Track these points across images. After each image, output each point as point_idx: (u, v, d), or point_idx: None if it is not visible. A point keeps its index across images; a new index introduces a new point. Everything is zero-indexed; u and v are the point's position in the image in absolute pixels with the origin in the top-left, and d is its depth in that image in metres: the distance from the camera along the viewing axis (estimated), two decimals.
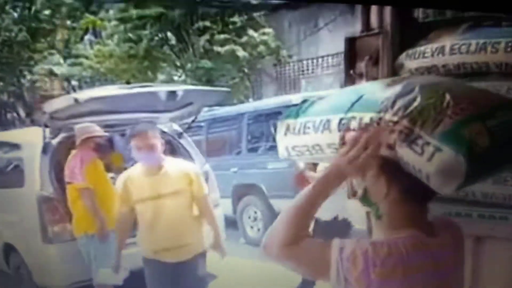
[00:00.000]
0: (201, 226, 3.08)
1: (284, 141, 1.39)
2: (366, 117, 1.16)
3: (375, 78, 2.14)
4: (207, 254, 3.19)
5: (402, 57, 2.11)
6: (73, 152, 3.90)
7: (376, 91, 1.23)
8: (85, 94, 3.86)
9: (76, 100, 3.71)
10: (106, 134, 4.16)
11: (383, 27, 2.13)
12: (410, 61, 2.07)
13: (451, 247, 1.24)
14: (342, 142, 1.20)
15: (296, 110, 1.37)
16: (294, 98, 5.98)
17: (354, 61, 2.19)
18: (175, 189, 2.91)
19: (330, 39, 12.70)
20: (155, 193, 2.88)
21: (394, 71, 2.16)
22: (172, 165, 3.00)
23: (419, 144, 1.08)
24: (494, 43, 1.80)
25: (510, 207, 1.85)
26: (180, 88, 4.14)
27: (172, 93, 4.00)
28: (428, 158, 1.07)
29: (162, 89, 4.06)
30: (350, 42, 2.22)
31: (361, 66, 2.15)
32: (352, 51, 2.20)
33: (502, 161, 1.18)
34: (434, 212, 2.04)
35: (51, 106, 4.08)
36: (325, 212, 3.90)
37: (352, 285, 1.12)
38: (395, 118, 1.11)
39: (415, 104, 1.11)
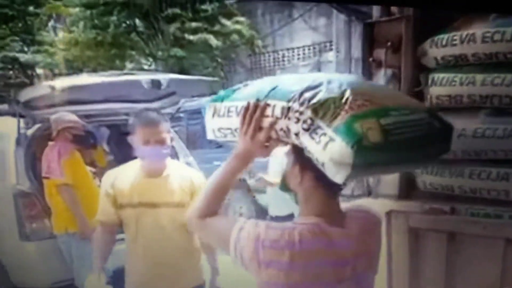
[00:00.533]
0: (200, 253, 2.47)
1: (211, 122, 1.49)
2: (278, 105, 1.27)
3: (395, 67, 2.00)
4: None
5: (426, 44, 1.97)
6: (50, 144, 3.63)
7: (290, 82, 1.31)
8: (62, 82, 3.56)
9: (52, 88, 3.44)
10: (85, 124, 3.86)
11: (405, 12, 1.98)
12: (436, 48, 1.93)
13: (355, 239, 1.30)
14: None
15: (222, 94, 1.47)
16: None
17: (372, 48, 2.03)
18: (176, 200, 2.30)
19: (305, 30, 12.60)
20: (151, 200, 2.29)
21: (416, 59, 2.02)
22: (176, 169, 2.41)
23: (318, 134, 1.19)
24: None
25: None
26: (164, 77, 3.89)
27: (156, 82, 3.75)
28: (323, 147, 1.17)
29: (145, 78, 3.80)
30: (369, 28, 2.06)
31: (381, 53, 2.00)
32: (371, 37, 2.04)
33: (395, 159, 1.26)
34: (460, 212, 1.94)
35: (25, 94, 3.80)
36: (281, 209, 3.81)
37: (246, 262, 1.25)
38: (301, 109, 1.22)
39: (319, 97, 1.22)
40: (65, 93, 3.55)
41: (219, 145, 6.28)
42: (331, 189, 1.30)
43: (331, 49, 12.21)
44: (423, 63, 2.01)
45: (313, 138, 1.19)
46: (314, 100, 1.21)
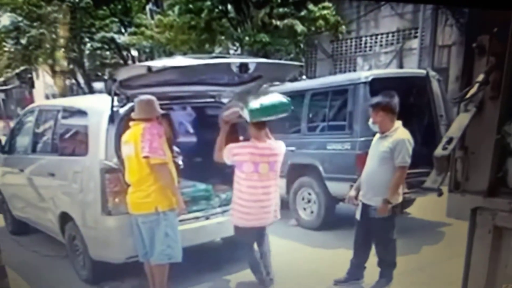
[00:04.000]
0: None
1: None
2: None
3: (499, 55, 1.88)
4: None
5: None
6: (142, 124, 3.67)
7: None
8: (159, 63, 3.68)
9: (149, 69, 3.48)
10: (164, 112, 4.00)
11: None
12: None
13: (269, 148, 4.08)
14: None
15: None
16: (363, 75, 5.59)
17: (477, 33, 1.92)
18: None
19: (391, 16, 12.11)
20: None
21: None
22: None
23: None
24: None
25: None
26: (252, 61, 3.92)
27: (245, 66, 3.79)
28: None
29: (235, 61, 3.84)
30: (475, 13, 1.94)
31: (485, 39, 1.88)
32: (476, 23, 1.93)
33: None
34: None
35: (122, 74, 3.91)
36: (375, 199, 3.84)
37: (229, 159, 4.07)
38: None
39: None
40: (159, 74, 3.63)
41: (295, 131, 6.34)
42: (257, 127, 3.92)
43: (415, 37, 11.65)
44: None
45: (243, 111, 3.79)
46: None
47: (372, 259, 4.07)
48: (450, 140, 1.87)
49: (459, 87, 2.03)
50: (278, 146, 4.00)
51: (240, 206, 3.93)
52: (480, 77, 1.88)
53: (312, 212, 6.05)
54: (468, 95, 1.89)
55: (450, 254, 4.17)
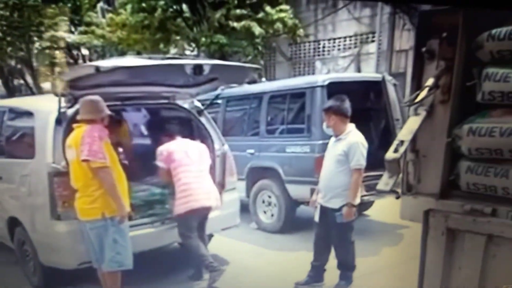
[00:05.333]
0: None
1: None
2: None
3: (448, 59, 1.90)
4: None
5: (483, 37, 1.86)
6: (84, 127, 3.51)
7: None
8: (108, 63, 3.51)
9: (97, 69, 3.33)
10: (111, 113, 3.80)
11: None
12: (493, 42, 1.82)
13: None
14: None
15: None
16: (320, 78, 5.62)
17: (426, 38, 1.93)
18: None
19: (349, 20, 12.33)
20: None
21: (471, 53, 1.91)
22: None
23: None
24: None
25: None
26: (207, 63, 3.83)
27: (199, 68, 3.69)
28: None
29: (189, 63, 3.74)
30: (424, 17, 1.95)
31: (434, 44, 1.89)
32: (425, 27, 1.94)
33: None
34: (502, 214, 1.83)
35: (69, 74, 3.76)
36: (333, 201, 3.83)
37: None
38: None
39: None
40: (108, 74, 3.48)
41: (254, 133, 6.30)
42: None
43: (373, 41, 11.91)
44: (478, 56, 1.90)
45: None
46: None
47: (333, 262, 4.07)
48: (401, 143, 1.87)
49: (410, 91, 2.03)
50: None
51: (180, 193, 4.12)
52: (430, 81, 1.90)
53: (272, 215, 6.02)
54: (418, 99, 1.91)
55: (409, 256, 4.22)
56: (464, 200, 1.98)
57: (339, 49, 12.71)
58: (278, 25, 11.36)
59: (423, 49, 1.91)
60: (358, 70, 12.04)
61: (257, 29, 10.93)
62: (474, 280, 1.93)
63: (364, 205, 5.94)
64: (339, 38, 12.63)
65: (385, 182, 2.02)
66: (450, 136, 1.96)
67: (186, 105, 4.67)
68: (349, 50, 12.47)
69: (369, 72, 10.87)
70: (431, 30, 1.91)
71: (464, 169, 1.98)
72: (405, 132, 1.91)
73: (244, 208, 5.70)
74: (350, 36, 12.38)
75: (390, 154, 1.88)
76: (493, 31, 1.81)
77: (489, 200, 1.92)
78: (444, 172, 2.04)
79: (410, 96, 1.97)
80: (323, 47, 13.00)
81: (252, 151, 6.08)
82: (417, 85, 1.96)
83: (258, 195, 6.15)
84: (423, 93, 1.90)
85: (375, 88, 5.71)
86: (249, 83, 7.18)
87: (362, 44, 12.15)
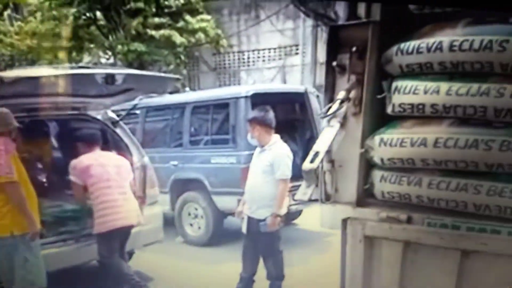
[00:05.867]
0: None
1: None
2: None
3: (359, 73, 1.94)
4: None
5: (392, 51, 1.91)
6: None
7: None
8: (10, 74, 3.27)
9: (1, 80, 3.17)
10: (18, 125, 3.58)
11: (372, 16, 1.92)
12: (401, 56, 1.88)
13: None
14: None
15: None
16: (244, 89, 5.64)
17: (337, 52, 1.96)
18: None
19: (272, 32, 12.58)
20: None
21: (381, 66, 1.97)
22: None
23: None
24: (502, 42, 1.63)
25: (504, 220, 1.72)
26: (120, 72, 3.66)
27: (111, 77, 3.53)
28: None
29: (99, 72, 3.56)
30: (334, 31, 1.98)
31: (345, 58, 1.93)
32: (335, 41, 1.96)
33: None
34: (417, 221, 1.91)
35: None
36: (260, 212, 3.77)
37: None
38: None
39: None
40: (15, 85, 3.30)
41: (177, 145, 6.16)
42: None
43: (297, 53, 12.24)
44: (387, 70, 1.95)
45: None
46: None
47: (262, 272, 4.03)
48: (316, 154, 1.87)
49: (323, 104, 2.06)
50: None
51: (99, 211, 3.92)
52: (341, 95, 1.93)
53: (199, 227, 5.90)
54: (330, 112, 1.93)
55: (337, 264, 4.31)
56: (380, 208, 2.02)
57: (263, 61, 12.91)
58: (200, 34, 11.31)
59: (334, 63, 1.94)
60: (284, 81, 12.30)
61: (178, 38, 10.80)
62: (394, 287, 1.96)
63: (292, 215, 5.99)
64: (263, 49, 12.83)
65: (303, 192, 2.03)
66: (363, 147, 2.01)
67: (99, 116, 4.43)
68: (274, 61, 12.71)
69: (294, 84, 11.14)
70: (341, 44, 1.94)
71: (378, 178, 2.02)
72: (320, 143, 1.92)
73: (170, 223, 5.53)
74: (274, 48, 12.63)
75: (306, 165, 1.89)
76: (402, 45, 1.87)
77: (405, 208, 1.97)
78: (359, 181, 2.07)
79: (322, 109, 1.99)
80: (248, 58, 13.13)
81: (175, 162, 5.92)
82: (330, 98, 1.99)
83: (183, 207, 5.98)
84: (335, 106, 1.92)
85: (299, 99, 5.81)
86: (171, 93, 7.06)
87: (286, 56, 12.45)
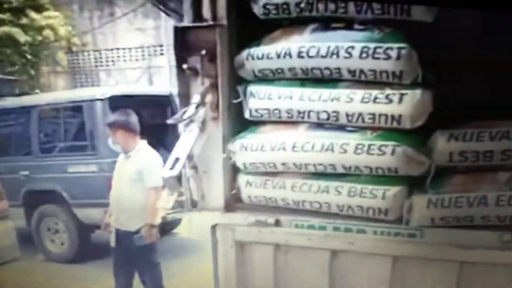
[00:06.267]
0: None
1: None
2: None
3: (213, 77, 1.89)
4: None
5: (243, 56, 1.88)
6: None
7: None
8: None
9: None
10: None
11: (218, 20, 1.88)
12: (252, 61, 1.85)
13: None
14: None
15: None
16: (100, 91, 5.33)
17: (186, 54, 1.88)
18: None
19: (131, 31, 11.97)
20: None
21: (234, 70, 1.95)
22: None
23: None
24: (348, 48, 1.67)
25: (368, 220, 1.80)
26: None
27: None
28: None
29: None
30: (181, 32, 1.88)
31: (196, 61, 1.86)
32: (183, 43, 1.88)
33: None
34: (285, 224, 1.94)
35: None
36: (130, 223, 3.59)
37: None
38: None
39: None
40: None
41: (26, 153, 5.53)
42: None
43: (162, 54, 11.88)
44: (241, 74, 1.92)
45: None
46: None
47: (139, 286, 3.81)
48: (176, 160, 1.79)
49: (179, 108, 1.98)
50: None
51: None
52: (196, 99, 1.87)
53: (62, 243, 5.45)
54: (185, 116, 1.86)
55: None
56: (248, 212, 2.01)
57: (125, 60, 12.26)
58: (48, 32, 10.34)
59: (185, 66, 1.86)
60: (151, 83, 11.85)
61: (22, 36, 9.76)
62: None
63: (171, 224, 5.79)
64: (124, 48, 12.19)
65: (165, 200, 1.94)
66: (225, 152, 1.99)
67: None
68: (137, 62, 12.15)
69: (162, 86, 10.75)
70: (190, 47, 1.86)
71: (244, 183, 2.01)
72: (180, 149, 1.83)
73: (28, 239, 5.10)
74: (136, 48, 12.08)
75: (166, 172, 1.78)
76: (252, 50, 1.86)
77: (273, 211, 1.98)
78: (226, 186, 2.04)
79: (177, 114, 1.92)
80: (106, 57, 12.35)
81: (26, 172, 5.33)
82: (185, 102, 1.91)
83: (41, 222, 5.47)
84: (190, 110, 1.85)
85: (166, 103, 5.62)
86: (18, 95, 6.28)
87: (151, 57, 11.99)
